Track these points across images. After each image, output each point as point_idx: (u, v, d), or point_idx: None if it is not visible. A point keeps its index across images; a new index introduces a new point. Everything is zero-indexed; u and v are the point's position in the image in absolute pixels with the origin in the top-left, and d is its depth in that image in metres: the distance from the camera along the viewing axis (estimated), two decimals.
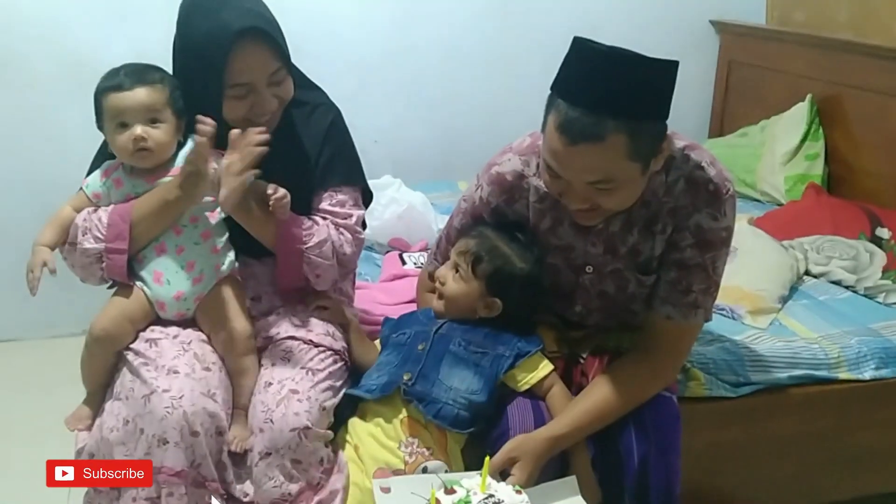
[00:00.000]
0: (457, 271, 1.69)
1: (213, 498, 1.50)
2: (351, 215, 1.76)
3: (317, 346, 1.71)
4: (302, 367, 1.65)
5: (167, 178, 1.63)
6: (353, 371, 1.77)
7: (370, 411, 1.66)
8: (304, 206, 1.73)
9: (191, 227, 1.66)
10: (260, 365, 1.68)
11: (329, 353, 1.71)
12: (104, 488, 1.55)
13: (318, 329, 1.74)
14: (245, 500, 1.57)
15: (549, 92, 1.49)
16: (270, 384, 1.62)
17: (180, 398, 1.51)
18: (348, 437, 1.66)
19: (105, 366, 1.65)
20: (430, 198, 2.92)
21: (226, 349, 1.65)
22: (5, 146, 3.11)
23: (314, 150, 1.74)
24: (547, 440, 1.55)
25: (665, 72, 1.42)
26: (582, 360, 1.79)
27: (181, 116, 1.63)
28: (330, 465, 1.61)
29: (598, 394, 1.62)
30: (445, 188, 3.23)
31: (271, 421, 1.56)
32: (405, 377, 1.62)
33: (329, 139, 1.76)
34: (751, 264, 2.44)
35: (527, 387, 1.65)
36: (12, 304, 3.22)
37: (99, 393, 1.67)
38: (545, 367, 1.67)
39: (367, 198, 1.86)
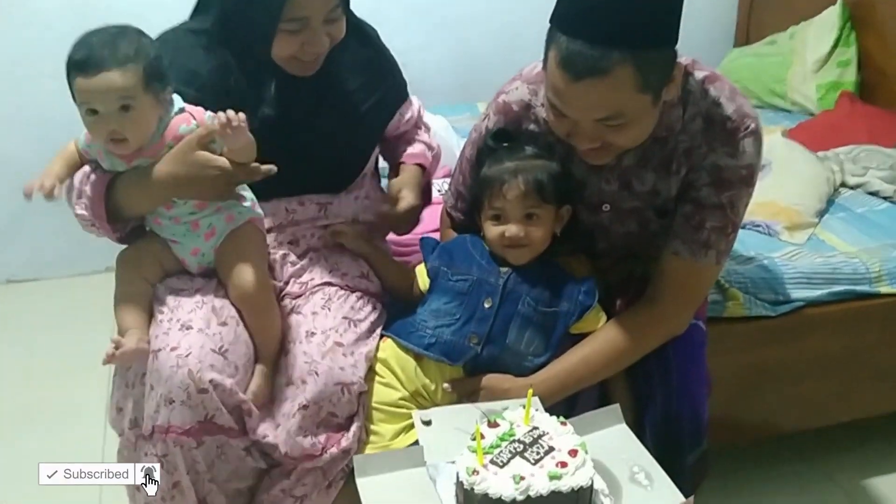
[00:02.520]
0: (529, 218, 1.57)
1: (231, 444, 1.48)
2: (420, 127, 1.90)
3: (353, 290, 1.66)
4: (344, 317, 1.60)
5: (143, 160, 1.49)
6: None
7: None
8: (364, 135, 1.74)
9: (180, 202, 1.54)
10: (299, 313, 1.62)
11: (367, 297, 1.67)
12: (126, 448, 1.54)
13: (353, 271, 1.69)
14: (264, 440, 1.50)
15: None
16: (314, 334, 1.57)
17: (187, 356, 1.44)
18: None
19: (140, 301, 1.55)
20: (449, 121, 2.84)
21: (238, 302, 1.56)
22: (8, 85, 3.04)
23: (363, 81, 1.72)
24: (524, 387, 1.49)
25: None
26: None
27: (161, 88, 1.46)
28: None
29: (596, 344, 1.57)
30: (465, 111, 3.14)
31: (316, 373, 1.51)
32: (472, 340, 1.56)
33: (372, 62, 1.75)
34: (786, 178, 2.37)
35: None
36: (30, 243, 3.23)
37: (141, 328, 1.54)
38: (601, 319, 1.61)
39: None
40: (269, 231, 1.68)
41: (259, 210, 1.62)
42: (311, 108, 1.66)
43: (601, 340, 1.57)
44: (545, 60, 1.41)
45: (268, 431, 1.50)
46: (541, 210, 1.56)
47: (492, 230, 1.59)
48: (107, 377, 2.46)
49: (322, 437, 1.51)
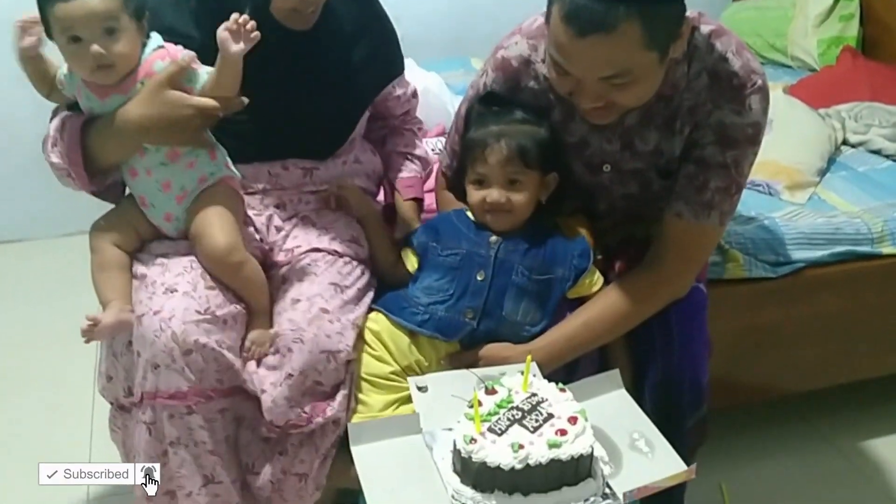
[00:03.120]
0: (512, 184, 1.53)
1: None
2: (415, 118, 1.90)
3: (341, 255, 1.61)
4: (331, 283, 1.55)
5: (117, 97, 1.44)
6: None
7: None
8: (353, 100, 1.69)
9: (152, 149, 1.48)
10: (285, 281, 1.57)
11: (355, 263, 1.62)
12: (119, 413, 1.52)
13: (343, 235, 1.64)
14: (262, 395, 1.46)
15: None
16: (298, 301, 1.52)
17: (170, 319, 1.40)
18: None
19: (119, 270, 1.51)
20: (443, 76, 2.75)
21: (208, 265, 1.49)
22: None
23: (358, 43, 1.67)
24: (524, 354, 1.45)
25: None
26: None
27: (140, 16, 1.42)
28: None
29: (597, 308, 1.54)
30: (459, 66, 3.05)
31: (301, 341, 1.46)
32: (468, 315, 1.52)
33: (371, 28, 1.70)
34: (786, 136, 2.31)
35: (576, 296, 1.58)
36: (17, 203, 3.16)
37: (121, 299, 1.50)
38: (598, 282, 1.58)
39: None
40: (254, 193, 1.63)
41: (233, 170, 1.55)
42: (304, 65, 1.60)
43: (602, 304, 1.54)
44: (548, 14, 1.35)
45: (265, 386, 1.46)
46: (524, 176, 1.52)
47: (474, 195, 1.55)
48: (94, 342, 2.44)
49: (308, 407, 1.47)
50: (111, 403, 1.56)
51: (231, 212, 1.51)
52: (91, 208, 1.59)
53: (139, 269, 1.50)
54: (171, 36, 1.49)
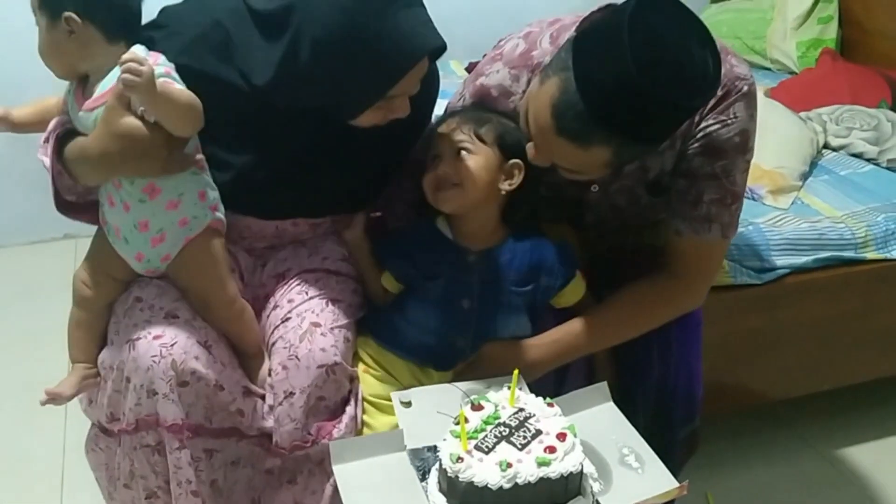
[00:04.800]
0: (459, 153, 1.44)
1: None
2: None
3: (334, 273, 1.55)
4: (321, 298, 1.50)
5: (86, 113, 1.32)
6: None
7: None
8: (391, 160, 1.55)
9: (127, 182, 1.34)
10: (276, 306, 1.52)
11: (346, 279, 1.56)
12: (106, 433, 1.45)
13: (335, 254, 1.58)
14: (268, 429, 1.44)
15: None
16: (288, 318, 1.47)
17: (172, 345, 1.34)
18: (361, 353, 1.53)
19: (94, 327, 1.44)
20: None
21: (203, 315, 1.42)
22: None
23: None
24: (526, 349, 1.46)
25: (676, 110, 1.23)
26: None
27: (56, 16, 1.26)
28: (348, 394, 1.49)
29: (611, 310, 1.51)
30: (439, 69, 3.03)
31: (296, 357, 1.41)
32: (459, 343, 1.48)
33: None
34: (768, 140, 2.29)
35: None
36: None
37: (90, 362, 1.45)
38: (582, 288, 1.54)
39: None
40: (249, 251, 1.58)
41: (220, 212, 1.42)
42: (343, 130, 1.44)
43: (618, 305, 1.51)
44: (546, 71, 1.30)
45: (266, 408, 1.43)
46: (475, 147, 1.44)
47: (426, 177, 1.46)
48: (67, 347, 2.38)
49: (313, 428, 1.42)
50: (93, 425, 1.50)
51: (221, 260, 1.43)
52: (60, 216, 1.52)
53: (134, 291, 1.43)
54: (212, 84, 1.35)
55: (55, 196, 1.41)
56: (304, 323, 1.45)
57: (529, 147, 1.37)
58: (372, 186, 1.57)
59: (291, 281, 1.54)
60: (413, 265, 1.50)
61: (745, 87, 1.42)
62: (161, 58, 1.31)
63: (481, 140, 1.44)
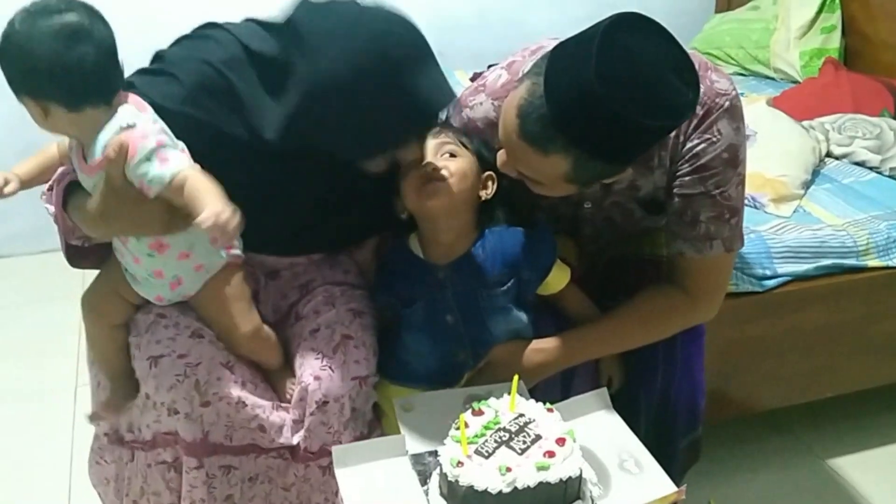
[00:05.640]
0: (446, 155, 1.45)
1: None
2: None
3: (357, 286, 1.57)
4: (349, 310, 1.51)
5: (87, 177, 1.29)
6: None
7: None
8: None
9: (133, 239, 1.33)
10: (301, 317, 1.53)
11: (367, 292, 1.58)
12: (116, 447, 1.47)
13: (353, 268, 1.60)
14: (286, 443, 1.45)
15: None
16: (317, 330, 1.48)
17: (197, 366, 1.35)
18: None
19: (114, 344, 1.43)
20: None
21: (226, 344, 1.43)
22: None
23: None
24: (533, 352, 1.46)
25: (638, 130, 1.21)
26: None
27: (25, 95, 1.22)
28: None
29: (613, 323, 1.51)
30: None
31: (330, 368, 1.42)
32: (459, 356, 1.49)
33: None
34: (771, 149, 2.31)
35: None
36: None
37: (121, 378, 1.43)
38: (566, 274, 1.53)
39: None
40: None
41: (236, 249, 1.42)
42: (349, 182, 1.48)
43: (631, 312, 1.51)
44: (521, 76, 1.31)
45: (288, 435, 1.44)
46: (460, 150, 1.46)
47: (408, 179, 1.43)
48: (74, 355, 2.40)
49: (348, 437, 1.43)
50: (105, 434, 1.50)
51: (243, 293, 1.44)
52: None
53: (155, 308, 1.43)
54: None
55: (63, 245, 1.42)
56: (336, 335, 1.46)
57: (500, 153, 1.37)
58: (384, 216, 1.55)
59: (316, 291, 1.54)
60: (393, 295, 1.53)
61: (727, 103, 1.40)
62: (149, 115, 1.27)
63: (464, 146, 1.47)
